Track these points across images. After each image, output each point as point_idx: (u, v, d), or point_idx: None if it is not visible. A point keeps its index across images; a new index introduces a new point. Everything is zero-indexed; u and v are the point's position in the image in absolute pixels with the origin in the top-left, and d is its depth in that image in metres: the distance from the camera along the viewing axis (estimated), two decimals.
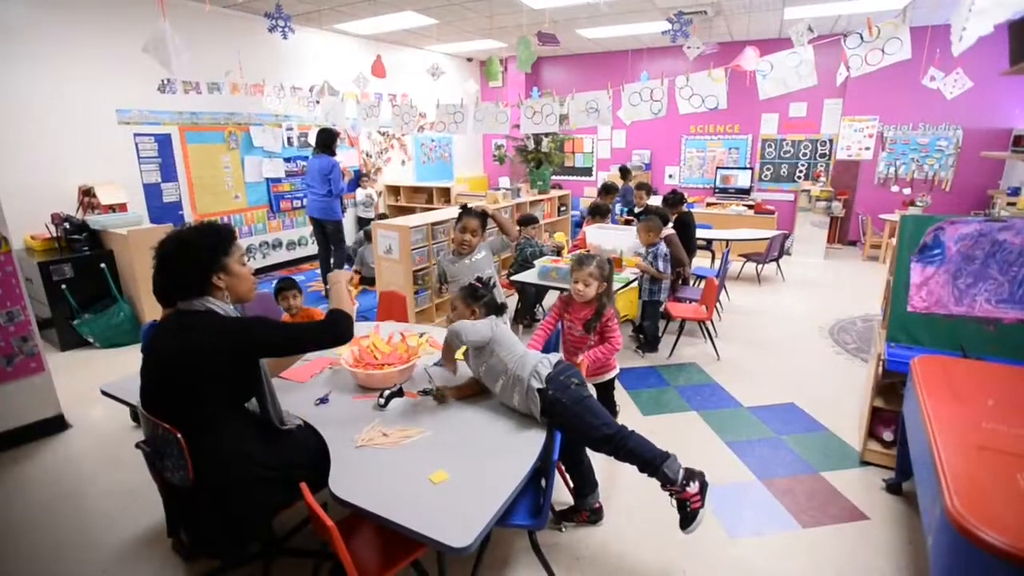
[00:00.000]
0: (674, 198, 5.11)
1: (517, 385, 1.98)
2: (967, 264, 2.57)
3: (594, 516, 2.37)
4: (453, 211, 5.47)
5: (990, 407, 1.84)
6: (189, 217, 5.95)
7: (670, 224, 4.58)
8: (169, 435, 1.55)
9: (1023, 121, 6.81)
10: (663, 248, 4.03)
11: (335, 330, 1.76)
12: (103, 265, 4.47)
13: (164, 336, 1.63)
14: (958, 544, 1.32)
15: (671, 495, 1.93)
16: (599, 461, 2.83)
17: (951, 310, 2.61)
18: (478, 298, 2.21)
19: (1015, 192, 6.33)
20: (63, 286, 4.29)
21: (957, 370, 2.14)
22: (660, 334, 4.25)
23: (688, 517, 1.88)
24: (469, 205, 3.18)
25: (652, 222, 4.04)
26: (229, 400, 1.66)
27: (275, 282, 3.02)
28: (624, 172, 7.66)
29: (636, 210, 5.64)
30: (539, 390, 1.94)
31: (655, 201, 6.01)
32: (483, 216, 3.08)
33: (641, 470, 1.94)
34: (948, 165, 7.38)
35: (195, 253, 1.65)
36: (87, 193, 4.90)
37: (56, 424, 3.16)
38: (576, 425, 1.93)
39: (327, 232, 5.72)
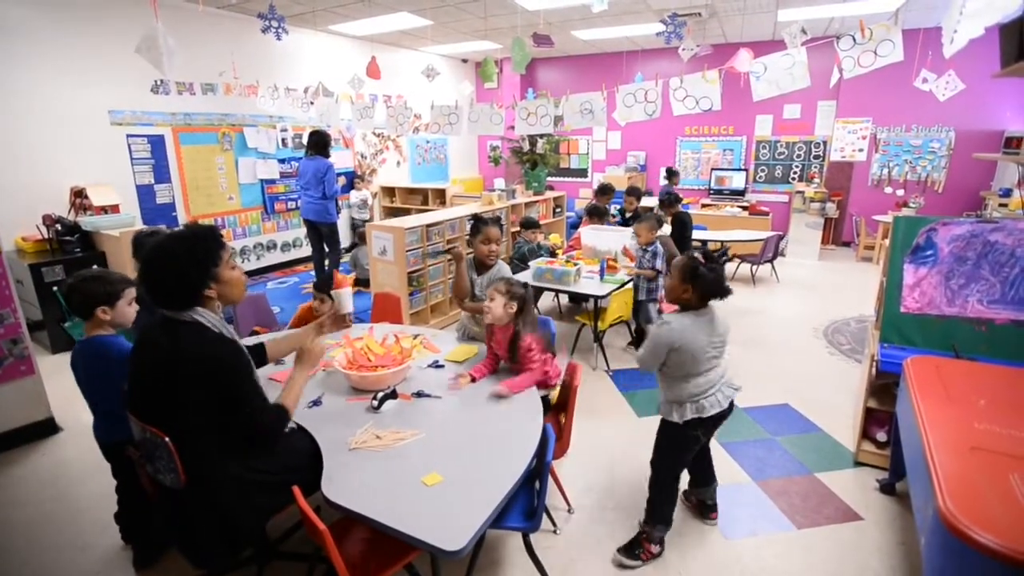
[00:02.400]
0: (669, 199, 5.13)
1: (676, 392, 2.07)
2: (959, 265, 2.58)
3: (660, 548, 2.22)
4: (448, 213, 5.47)
5: (982, 407, 1.85)
6: (183, 218, 5.92)
7: (666, 226, 4.59)
8: (157, 439, 1.54)
9: (1014, 123, 6.86)
10: (660, 247, 4.05)
11: (274, 427, 1.68)
12: (95, 266, 4.44)
13: (151, 345, 1.60)
14: (951, 544, 1.32)
15: (641, 532, 2.22)
16: (603, 461, 2.84)
17: (943, 311, 2.62)
18: None
19: (1007, 193, 6.38)
20: (54, 288, 4.25)
21: (950, 371, 2.15)
22: None
23: (632, 554, 2.17)
24: (482, 215, 3.06)
25: (651, 220, 4.05)
26: (218, 406, 1.63)
27: (312, 281, 3.00)
28: (671, 174, 7.68)
29: (626, 215, 5.62)
30: (675, 423, 2.09)
31: (647, 202, 6.02)
32: (497, 221, 2.96)
33: (649, 510, 2.22)
34: (941, 167, 7.43)
35: (182, 270, 1.56)
36: (79, 194, 4.86)
37: (47, 427, 3.14)
38: (669, 455, 2.21)
39: (322, 234, 5.70)
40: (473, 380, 2.28)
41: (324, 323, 2.17)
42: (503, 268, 2.94)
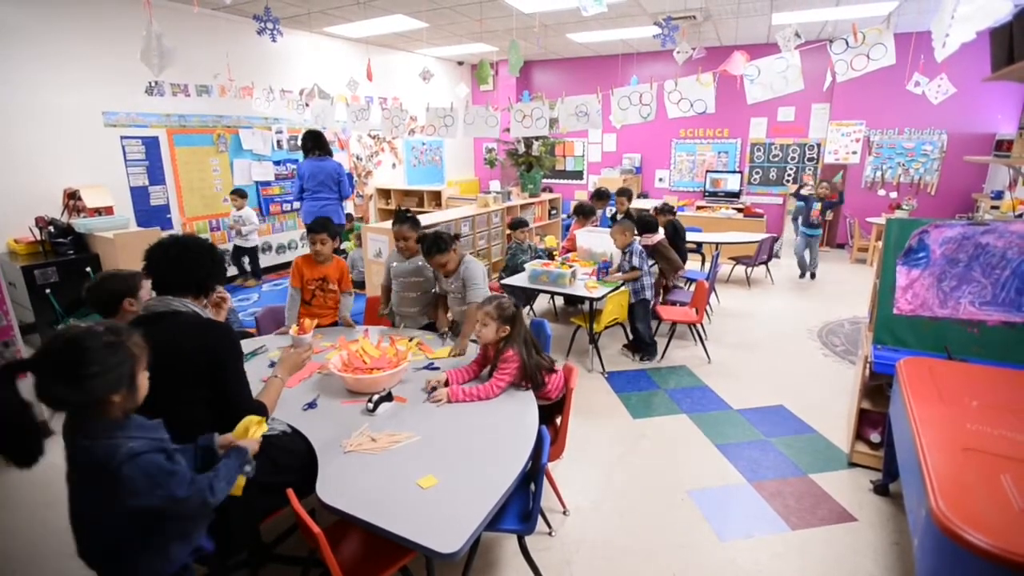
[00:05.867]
0: (663, 208, 5.21)
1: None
2: (951, 267, 2.60)
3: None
4: (445, 215, 5.47)
5: (974, 408, 1.86)
6: (177, 220, 5.90)
7: (660, 231, 4.59)
8: None
9: (1005, 126, 6.92)
10: (638, 246, 4.04)
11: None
12: (88, 269, 4.42)
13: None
14: (943, 545, 1.33)
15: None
16: (598, 463, 2.84)
17: (936, 312, 2.64)
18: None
19: (998, 196, 6.43)
20: (47, 290, 4.22)
21: (942, 372, 2.16)
22: (653, 335, 4.22)
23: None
24: (408, 212, 3.25)
25: (624, 224, 4.06)
26: (210, 405, 1.63)
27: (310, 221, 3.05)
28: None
29: (617, 216, 5.64)
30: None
31: (644, 203, 6.04)
32: (413, 220, 3.10)
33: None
34: (933, 169, 7.48)
35: (217, 261, 1.81)
36: (72, 196, 4.84)
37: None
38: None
39: (331, 237, 5.68)
40: (446, 383, 2.24)
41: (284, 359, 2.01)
42: (471, 266, 2.89)
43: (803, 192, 6.51)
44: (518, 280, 4.13)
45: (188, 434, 1.56)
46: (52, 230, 4.46)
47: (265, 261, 6.91)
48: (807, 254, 6.35)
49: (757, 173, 8.63)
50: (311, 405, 2.14)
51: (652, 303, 4.16)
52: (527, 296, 4.81)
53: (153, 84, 5.21)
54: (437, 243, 2.79)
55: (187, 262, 1.74)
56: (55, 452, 2.98)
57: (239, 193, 6.02)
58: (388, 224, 4.82)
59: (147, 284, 2.07)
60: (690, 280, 5.25)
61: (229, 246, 6.39)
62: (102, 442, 1.24)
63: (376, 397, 2.09)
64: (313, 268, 3.02)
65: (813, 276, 6.45)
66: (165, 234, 1.92)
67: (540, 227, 7.05)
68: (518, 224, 5.00)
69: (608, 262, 4.14)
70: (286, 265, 7.14)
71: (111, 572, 1.36)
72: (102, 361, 1.21)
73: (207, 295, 1.81)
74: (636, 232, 4.08)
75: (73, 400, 1.22)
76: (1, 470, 2.83)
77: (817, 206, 6.17)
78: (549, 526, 2.36)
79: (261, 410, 1.75)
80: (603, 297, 3.77)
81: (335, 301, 3.08)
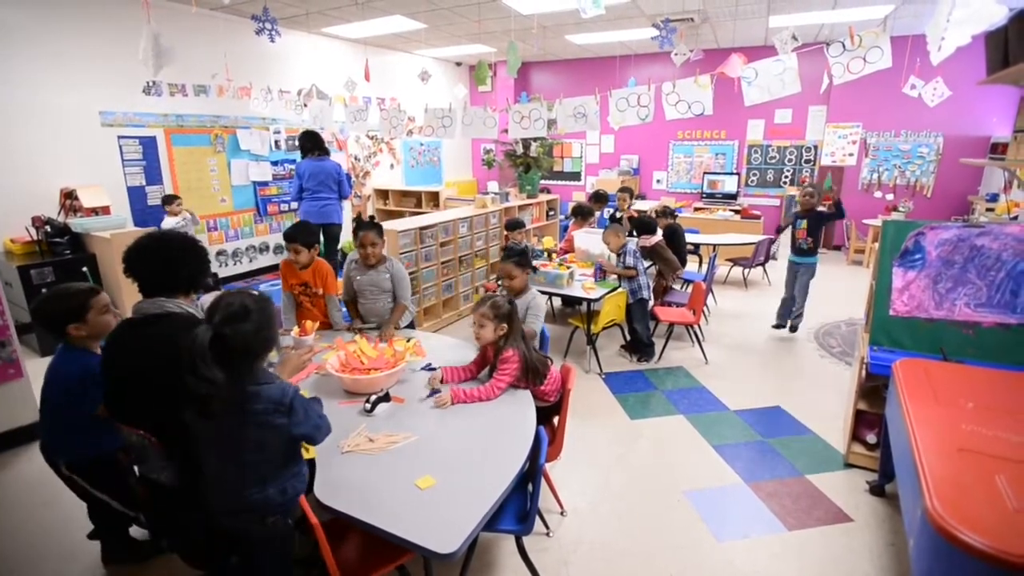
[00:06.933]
0: (663, 212, 5.22)
1: None
2: (947, 269, 2.62)
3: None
4: (443, 215, 5.47)
5: (969, 409, 1.87)
6: None
7: (659, 232, 4.60)
8: (144, 440, 1.53)
9: (1000, 129, 6.96)
10: (631, 246, 4.07)
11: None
12: (85, 269, 4.40)
13: (135, 344, 1.60)
14: (938, 545, 1.33)
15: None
16: (596, 463, 2.85)
17: (932, 314, 2.65)
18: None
19: (993, 198, 6.47)
20: (44, 290, 4.20)
21: (938, 373, 2.18)
22: (651, 336, 4.23)
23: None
24: (367, 218, 3.27)
25: (615, 227, 4.11)
26: None
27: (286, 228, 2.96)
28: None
29: (619, 215, 5.66)
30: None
31: (643, 205, 6.05)
32: (379, 227, 3.06)
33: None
34: (929, 171, 7.52)
35: (201, 255, 1.80)
36: (69, 196, 4.82)
37: (34, 432, 3.09)
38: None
39: (330, 237, 5.67)
40: (442, 380, 2.30)
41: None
42: (539, 299, 3.01)
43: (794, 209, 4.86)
44: None
45: (180, 438, 1.56)
46: (49, 230, 4.45)
47: (262, 261, 6.91)
48: (795, 289, 4.67)
49: (754, 175, 8.65)
50: None
51: (650, 304, 4.18)
52: None
53: (151, 84, 5.20)
54: (521, 258, 3.03)
55: (170, 260, 1.71)
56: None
57: (174, 198, 5.30)
58: (385, 225, 4.81)
59: (99, 303, 1.93)
60: (687, 281, 5.26)
61: (229, 247, 6.39)
62: (269, 385, 1.46)
63: (374, 397, 2.09)
64: (294, 273, 3.02)
65: (794, 329, 4.68)
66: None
67: (538, 228, 7.05)
68: (514, 225, 5.00)
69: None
70: None
71: (260, 503, 1.51)
72: (265, 317, 1.45)
73: (198, 292, 1.79)
74: (629, 233, 4.11)
75: (257, 348, 1.44)
76: None
77: (802, 224, 4.49)
78: (547, 527, 2.36)
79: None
80: (601, 298, 3.77)
81: (324, 304, 3.07)
